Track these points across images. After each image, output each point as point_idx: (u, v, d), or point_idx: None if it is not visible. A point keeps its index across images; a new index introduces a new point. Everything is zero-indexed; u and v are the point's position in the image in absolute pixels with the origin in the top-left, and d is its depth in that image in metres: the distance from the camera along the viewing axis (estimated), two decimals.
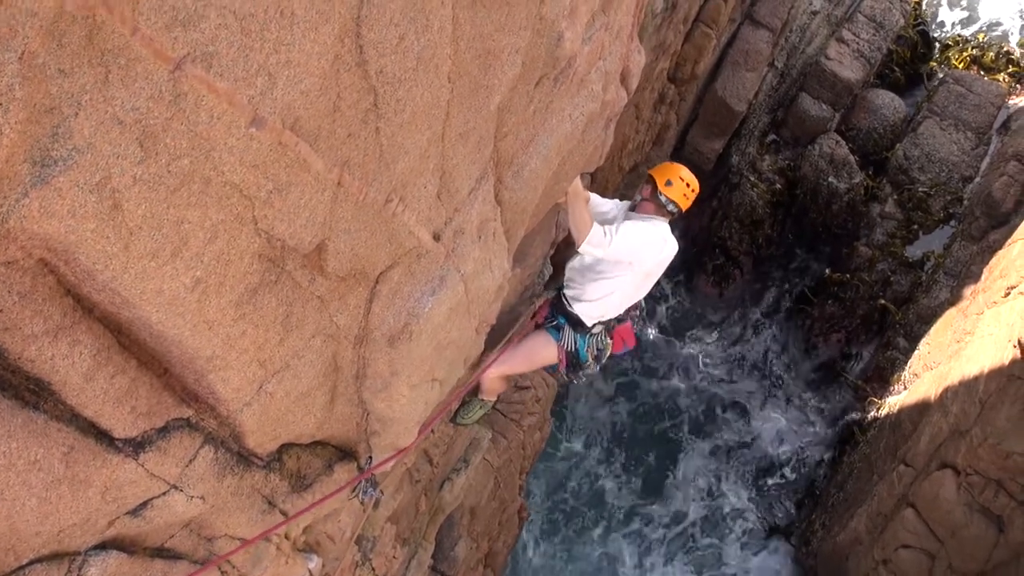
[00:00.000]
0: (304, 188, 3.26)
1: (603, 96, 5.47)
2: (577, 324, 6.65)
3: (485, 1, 3.63)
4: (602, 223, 6.14)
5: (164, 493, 3.86)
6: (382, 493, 6.05)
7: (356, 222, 3.71)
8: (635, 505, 18.16)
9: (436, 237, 4.37)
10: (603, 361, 6.94)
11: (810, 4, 18.94)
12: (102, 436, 3.35)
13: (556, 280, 7.11)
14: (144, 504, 3.80)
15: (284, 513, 4.86)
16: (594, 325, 6.65)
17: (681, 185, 6.30)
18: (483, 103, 4.09)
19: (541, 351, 6.85)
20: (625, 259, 6.21)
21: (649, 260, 6.33)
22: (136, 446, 3.53)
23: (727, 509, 18.14)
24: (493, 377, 6.98)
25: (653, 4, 10.28)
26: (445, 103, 3.77)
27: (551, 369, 7.26)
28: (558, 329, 6.74)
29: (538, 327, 6.92)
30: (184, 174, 2.73)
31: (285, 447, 4.73)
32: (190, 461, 3.90)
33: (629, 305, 6.69)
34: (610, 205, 6.65)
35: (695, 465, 18.54)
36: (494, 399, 7.48)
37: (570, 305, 6.60)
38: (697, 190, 6.39)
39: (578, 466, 18.26)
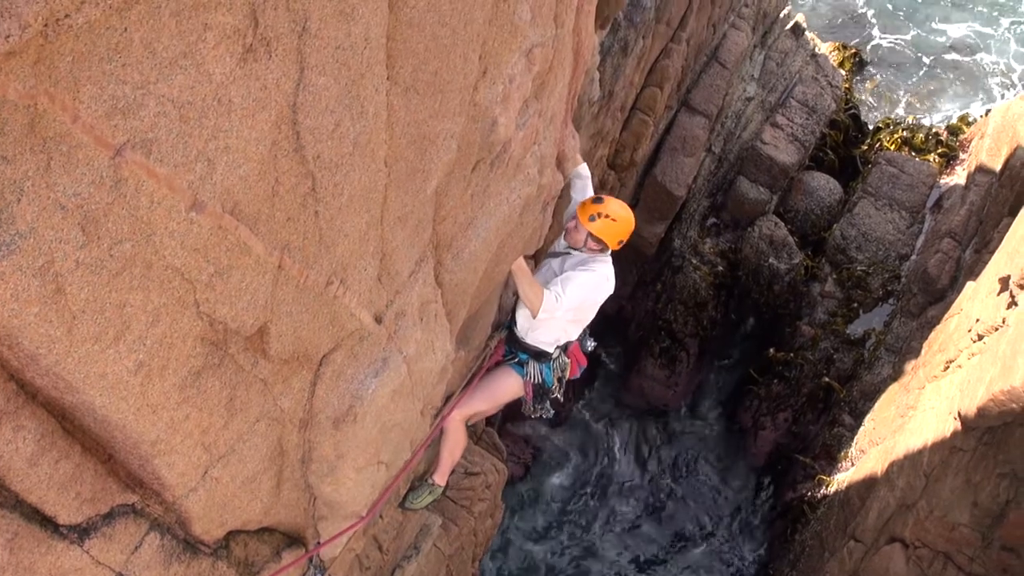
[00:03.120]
0: (245, 271, 3.33)
1: (539, 180, 5.60)
2: (539, 355, 6.82)
3: (419, 88, 3.76)
4: (548, 279, 6.41)
5: None
6: None
7: (298, 304, 3.77)
8: None
9: (378, 319, 4.44)
10: (563, 384, 7.09)
11: (744, 91, 19.41)
12: (47, 523, 3.35)
13: (502, 318, 7.19)
14: None
15: None
16: (554, 350, 6.83)
17: (602, 223, 6.42)
18: (420, 187, 4.20)
19: (503, 387, 6.95)
20: (575, 309, 6.45)
21: (595, 304, 6.63)
22: (81, 533, 3.53)
23: None
24: (457, 422, 6.95)
25: (590, 92, 10.51)
26: (383, 187, 3.88)
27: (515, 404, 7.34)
28: (521, 365, 6.87)
29: (497, 365, 7.00)
30: (126, 258, 2.79)
31: (232, 534, 4.71)
32: (136, 548, 3.89)
33: (583, 329, 6.93)
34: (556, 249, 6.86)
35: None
36: (443, 485, 7.46)
37: (526, 337, 6.75)
38: (618, 220, 6.43)
39: None
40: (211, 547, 4.51)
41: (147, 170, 2.66)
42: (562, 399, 7.27)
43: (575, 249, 6.51)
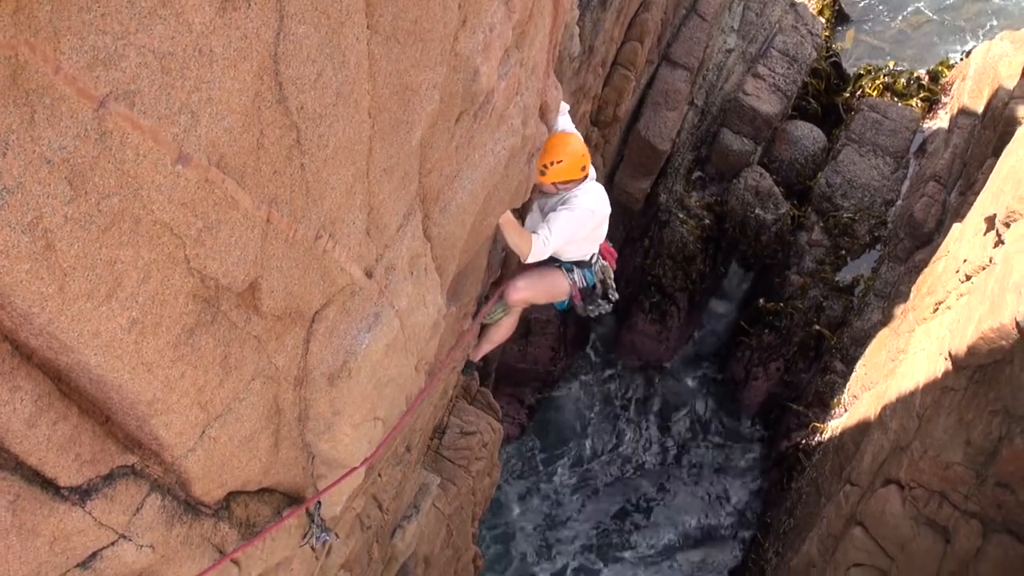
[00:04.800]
0: (234, 226, 3.33)
1: (523, 131, 5.60)
2: (579, 262, 7.25)
3: (399, 37, 3.75)
4: (536, 223, 6.81)
5: (113, 543, 3.85)
6: (337, 536, 6.06)
7: (288, 260, 3.78)
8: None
9: (368, 274, 4.45)
10: (610, 283, 7.55)
11: (724, 42, 19.37)
12: (47, 485, 3.36)
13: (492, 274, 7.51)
14: (94, 555, 3.79)
15: (236, 562, 4.87)
16: (593, 256, 7.29)
17: (554, 170, 6.61)
18: (405, 138, 4.20)
19: (554, 281, 7.29)
20: (571, 239, 6.80)
21: (598, 226, 7.02)
22: (82, 494, 3.54)
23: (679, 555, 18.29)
24: (519, 298, 7.31)
25: (570, 48, 10.48)
26: (367, 139, 3.87)
27: (560, 306, 7.80)
28: (568, 270, 7.26)
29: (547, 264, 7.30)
30: (114, 213, 2.79)
31: (233, 495, 4.74)
32: (137, 509, 3.91)
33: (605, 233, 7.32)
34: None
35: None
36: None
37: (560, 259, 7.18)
38: (565, 159, 6.59)
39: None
40: (212, 508, 4.53)
41: (131, 122, 2.65)
42: (615, 297, 7.66)
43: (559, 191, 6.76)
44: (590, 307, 7.52)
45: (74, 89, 2.45)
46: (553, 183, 6.62)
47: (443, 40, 4.14)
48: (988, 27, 22.89)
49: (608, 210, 7.04)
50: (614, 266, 7.67)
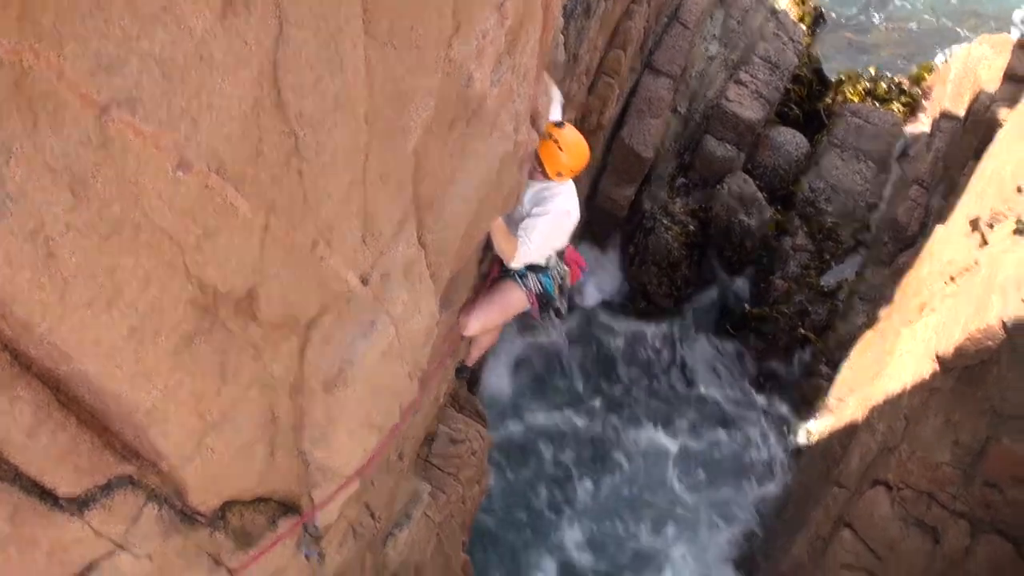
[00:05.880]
0: (232, 233, 3.32)
1: (515, 137, 5.59)
2: (533, 267, 7.00)
3: (395, 43, 3.74)
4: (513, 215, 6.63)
5: (111, 553, 3.84)
6: (320, 557, 6.04)
7: (285, 267, 3.77)
8: None
9: (364, 281, 4.44)
10: (567, 291, 7.38)
11: (706, 50, 19.42)
12: (46, 495, 3.35)
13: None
14: (91, 566, 3.78)
15: (231, 572, 4.84)
16: (549, 258, 7.03)
17: (547, 147, 6.49)
18: (400, 145, 4.19)
19: (510, 299, 7.13)
20: (549, 240, 6.74)
21: (566, 232, 6.89)
22: (80, 504, 3.53)
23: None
24: (477, 333, 7.27)
25: (555, 56, 10.50)
26: (364, 145, 3.87)
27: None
28: (521, 277, 7.05)
29: (499, 278, 7.21)
30: (115, 220, 2.78)
31: (228, 504, 4.72)
32: (135, 519, 3.89)
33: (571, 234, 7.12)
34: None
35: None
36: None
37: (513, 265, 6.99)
38: (564, 151, 6.48)
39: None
40: (208, 517, 4.52)
41: (133, 129, 2.64)
42: (564, 309, 7.53)
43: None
44: (544, 315, 7.34)
45: (77, 95, 2.44)
46: (539, 157, 6.43)
47: (438, 46, 4.14)
48: (968, 31, 23.01)
49: (576, 220, 6.96)
50: (579, 275, 7.56)
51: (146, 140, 2.70)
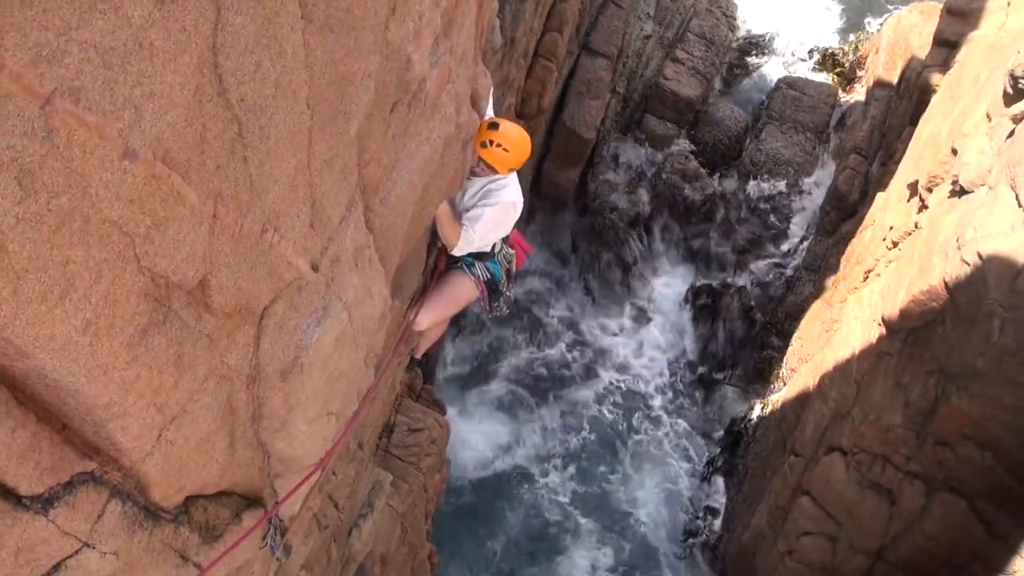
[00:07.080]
0: (181, 222, 3.33)
1: (457, 119, 5.64)
2: (480, 254, 7.11)
3: (332, 26, 3.77)
4: (457, 203, 6.79)
5: (77, 552, 3.83)
6: (286, 551, 6.04)
7: (235, 255, 3.78)
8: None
9: (314, 267, 4.46)
10: (513, 275, 7.47)
11: (641, 29, 19.57)
12: (8, 495, 3.34)
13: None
14: (58, 565, 3.77)
15: (198, 566, 4.84)
16: (494, 245, 7.14)
17: (493, 152, 6.58)
18: (343, 129, 4.22)
19: (458, 289, 7.22)
20: (492, 234, 6.89)
21: (511, 222, 7.04)
22: (44, 503, 3.52)
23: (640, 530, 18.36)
24: (427, 327, 7.29)
25: (491, 40, 10.54)
26: (307, 129, 3.89)
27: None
28: (469, 266, 7.16)
29: (447, 270, 7.27)
30: (64, 212, 2.78)
31: (191, 499, 4.72)
32: (99, 516, 3.89)
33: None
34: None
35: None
36: None
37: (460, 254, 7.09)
38: (510, 151, 6.58)
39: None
40: (171, 513, 4.52)
41: (77, 119, 2.65)
42: (512, 296, 7.59)
43: (473, 169, 6.66)
44: (494, 304, 7.45)
45: (20, 86, 2.44)
46: (481, 160, 6.56)
47: (375, 28, 4.17)
48: (900, 2, 23.32)
49: (519, 211, 7.07)
50: (523, 259, 7.67)
51: (90, 130, 2.71)
